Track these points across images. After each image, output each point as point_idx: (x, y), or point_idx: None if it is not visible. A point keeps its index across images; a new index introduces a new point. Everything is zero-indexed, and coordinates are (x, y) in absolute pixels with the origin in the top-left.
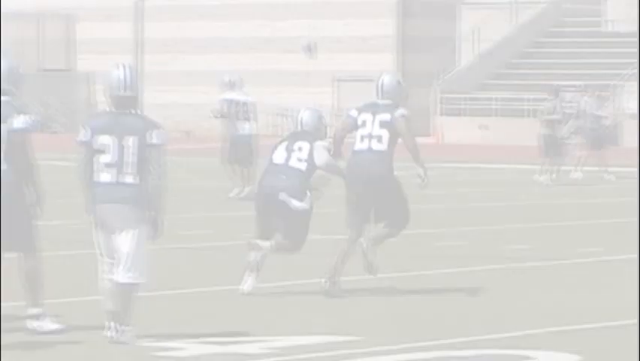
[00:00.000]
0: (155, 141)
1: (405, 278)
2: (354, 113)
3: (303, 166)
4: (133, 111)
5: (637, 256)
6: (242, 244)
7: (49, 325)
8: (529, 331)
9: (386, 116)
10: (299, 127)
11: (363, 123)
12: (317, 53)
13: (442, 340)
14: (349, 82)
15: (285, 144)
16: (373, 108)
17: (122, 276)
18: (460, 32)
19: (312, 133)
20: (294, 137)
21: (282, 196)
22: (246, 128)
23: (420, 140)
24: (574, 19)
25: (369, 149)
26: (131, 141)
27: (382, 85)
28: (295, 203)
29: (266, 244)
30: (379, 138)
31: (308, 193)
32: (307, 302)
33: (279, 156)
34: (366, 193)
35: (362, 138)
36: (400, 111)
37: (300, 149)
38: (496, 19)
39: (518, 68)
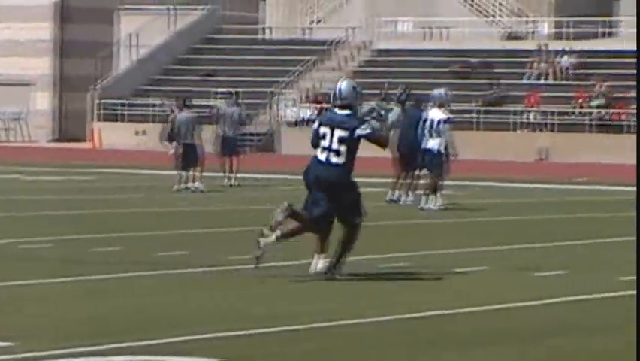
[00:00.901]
0: None
1: (65, 283)
2: (316, 125)
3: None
4: None
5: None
6: None
7: None
8: (182, 337)
9: (343, 133)
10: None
11: (324, 136)
12: None
13: (96, 346)
14: (5, 86)
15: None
16: (331, 121)
17: None
18: (119, 38)
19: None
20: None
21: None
22: None
23: (76, 145)
24: (232, 26)
25: (327, 160)
26: None
27: (340, 91)
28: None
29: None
30: (337, 153)
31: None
32: None
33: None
34: (322, 193)
35: (323, 149)
36: (361, 132)
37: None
38: (154, 25)
39: (175, 75)
